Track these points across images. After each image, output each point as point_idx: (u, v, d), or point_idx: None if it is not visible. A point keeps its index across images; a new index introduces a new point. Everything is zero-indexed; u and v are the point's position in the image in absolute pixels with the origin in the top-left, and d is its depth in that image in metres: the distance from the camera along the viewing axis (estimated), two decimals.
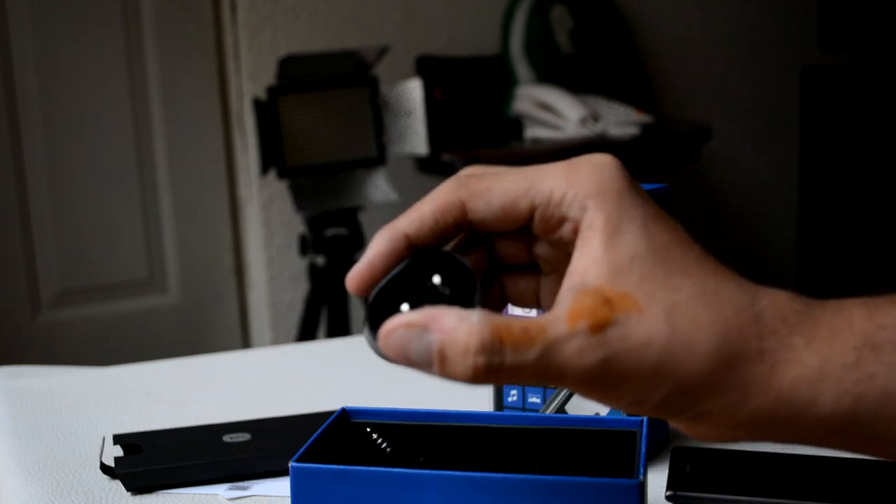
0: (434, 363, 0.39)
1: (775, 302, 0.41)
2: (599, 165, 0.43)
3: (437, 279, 0.42)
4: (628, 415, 0.43)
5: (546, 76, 2.60)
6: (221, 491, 0.68)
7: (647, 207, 0.42)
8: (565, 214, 0.42)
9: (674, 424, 0.43)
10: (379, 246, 0.43)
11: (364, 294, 0.43)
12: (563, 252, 0.44)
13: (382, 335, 0.40)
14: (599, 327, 0.39)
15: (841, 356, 0.39)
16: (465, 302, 0.42)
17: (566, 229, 0.42)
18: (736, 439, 0.42)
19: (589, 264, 0.41)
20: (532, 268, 0.47)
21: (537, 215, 0.43)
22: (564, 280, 0.42)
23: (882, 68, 2.84)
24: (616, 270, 0.40)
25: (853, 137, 2.90)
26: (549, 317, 0.40)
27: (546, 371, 0.39)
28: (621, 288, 0.40)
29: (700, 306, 0.40)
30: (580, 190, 0.42)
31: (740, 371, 0.40)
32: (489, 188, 0.43)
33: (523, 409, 0.72)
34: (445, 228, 0.43)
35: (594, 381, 0.40)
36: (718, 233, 3.10)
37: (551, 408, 0.69)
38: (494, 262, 0.47)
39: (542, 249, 0.46)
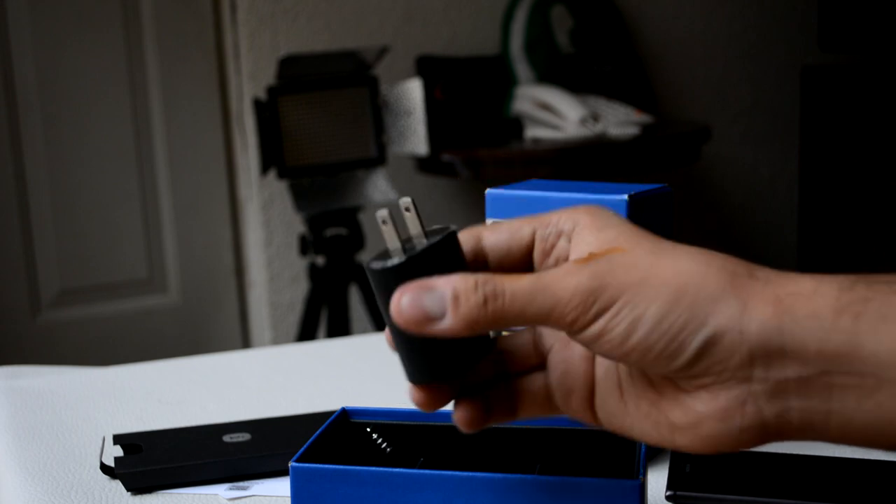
0: (448, 306, 0.43)
1: (764, 268, 0.44)
2: (593, 204, 0.48)
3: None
4: (636, 344, 0.42)
5: (546, 76, 2.60)
6: (221, 491, 0.68)
7: (632, 224, 0.46)
8: (561, 229, 0.47)
9: (693, 381, 0.43)
10: None
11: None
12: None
13: (395, 299, 0.43)
14: (585, 260, 0.43)
15: (836, 283, 0.42)
16: None
17: (562, 243, 0.47)
18: (750, 412, 0.42)
19: (583, 247, 0.45)
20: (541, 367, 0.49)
21: (537, 236, 0.47)
22: None
23: (882, 68, 2.84)
24: (603, 245, 0.45)
25: (853, 137, 2.90)
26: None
27: (541, 292, 0.42)
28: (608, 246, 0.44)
29: (683, 251, 0.44)
30: (573, 213, 0.47)
31: (735, 284, 0.42)
32: (499, 224, 0.48)
33: None
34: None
35: (587, 298, 0.42)
36: (718, 233, 3.10)
37: None
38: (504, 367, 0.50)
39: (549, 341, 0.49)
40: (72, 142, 2.47)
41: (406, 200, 0.46)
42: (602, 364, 0.47)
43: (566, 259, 0.46)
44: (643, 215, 0.61)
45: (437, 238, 0.46)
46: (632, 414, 0.45)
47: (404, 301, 0.43)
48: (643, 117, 2.52)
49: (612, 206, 0.60)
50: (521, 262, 0.48)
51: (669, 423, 0.44)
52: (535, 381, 0.49)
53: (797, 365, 0.41)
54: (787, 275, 0.42)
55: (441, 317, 0.43)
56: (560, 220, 0.47)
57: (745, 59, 3.08)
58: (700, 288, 0.42)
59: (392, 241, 0.46)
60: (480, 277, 0.43)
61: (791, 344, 0.41)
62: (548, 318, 0.43)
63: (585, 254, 0.45)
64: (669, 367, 0.42)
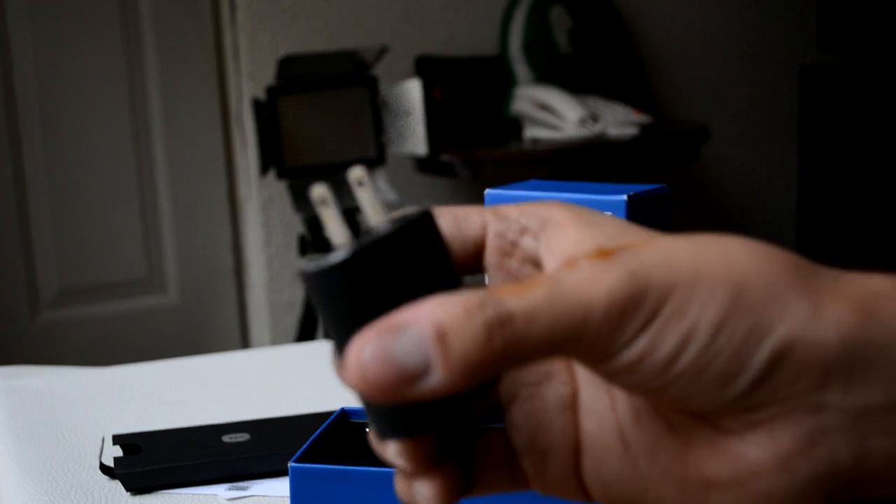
0: (431, 352, 0.29)
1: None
2: (562, 201, 0.37)
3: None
4: (711, 356, 0.30)
5: (545, 76, 2.60)
6: (221, 491, 0.68)
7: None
8: (524, 225, 0.35)
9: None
10: None
11: None
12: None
13: (352, 355, 0.29)
14: (604, 255, 0.31)
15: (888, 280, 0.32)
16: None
17: (527, 242, 0.35)
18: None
19: (570, 245, 0.33)
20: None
21: (492, 230, 0.35)
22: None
23: (882, 68, 2.84)
24: (600, 242, 0.33)
25: (852, 137, 2.90)
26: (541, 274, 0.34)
27: (565, 307, 0.29)
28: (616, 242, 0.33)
29: (728, 238, 0.33)
30: (539, 209, 0.36)
31: (800, 279, 0.31)
32: (443, 210, 0.36)
33: None
34: None
35: (628, 305, 0.30)
36: (717, 233, 3.09)
37: None
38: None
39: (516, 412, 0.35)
40: (71, 142, 2.47)
41: (358, 173, 0.32)
42: (593, 413, 0.34)
43: (534, 261, 0.35)
44: (642, 215, 0.61)
45: (402, 223, 0.31)
46: (645, 475, 0.33)
47: (366, 356, 0.29)
48: (642, 117, 2.52)
49: (611, 206, 0.60)
50: (466, 259, 0.35)
51: (703, 480, 0.32)
52: (494, 440, 0.36)
53: (886, 385, 0.30)
54: (855, 273, 0.32)
55: (424, 371, 0.29)
56: (521, 215, 0.35)
57: (744, 59, 3.08)
58: (761, 283, 0.30)
59: (336, 230, 0.32)
60: (473, 297, 0.29)
61: (879, 357, 0.30)
62: (577, 342, 0.30)
63: (568, 254, 0.33)
64: (721, 397, 0.30)
